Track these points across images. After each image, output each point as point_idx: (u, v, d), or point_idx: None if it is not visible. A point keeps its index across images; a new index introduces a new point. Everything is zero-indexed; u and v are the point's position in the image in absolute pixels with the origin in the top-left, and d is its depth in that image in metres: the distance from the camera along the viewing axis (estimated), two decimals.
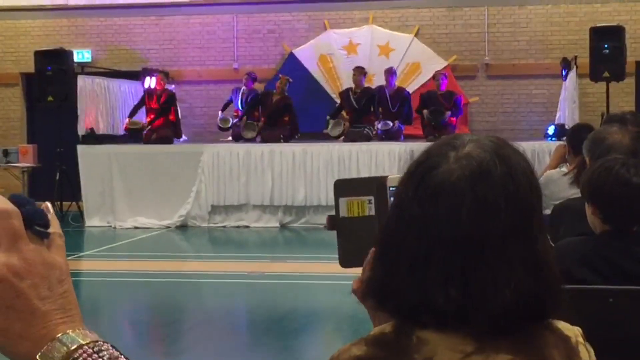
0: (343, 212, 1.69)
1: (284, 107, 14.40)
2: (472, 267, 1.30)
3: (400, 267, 1.34)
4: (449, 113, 13.96)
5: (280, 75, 15.01)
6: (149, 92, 14.68)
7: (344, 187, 1.70)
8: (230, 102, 15.09)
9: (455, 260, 1.30)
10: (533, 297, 1.31)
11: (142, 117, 15.38)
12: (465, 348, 1.31)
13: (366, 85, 14.68)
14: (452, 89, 14.81)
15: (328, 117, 14.45)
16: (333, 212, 1.71)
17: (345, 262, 1.66)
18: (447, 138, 1.41)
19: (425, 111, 14.01)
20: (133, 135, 14.63)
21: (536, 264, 1.33)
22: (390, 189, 1.62)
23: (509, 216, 1.32)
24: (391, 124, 14.06)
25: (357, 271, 1.53)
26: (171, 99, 14.79)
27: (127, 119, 14.82)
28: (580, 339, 1.39)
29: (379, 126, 14.09)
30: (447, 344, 1.31)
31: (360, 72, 14.45)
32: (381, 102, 14.33)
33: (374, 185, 1.66)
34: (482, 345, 1.31)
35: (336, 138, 14.06)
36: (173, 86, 15.46)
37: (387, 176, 1.64)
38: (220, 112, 15.12)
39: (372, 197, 1.66)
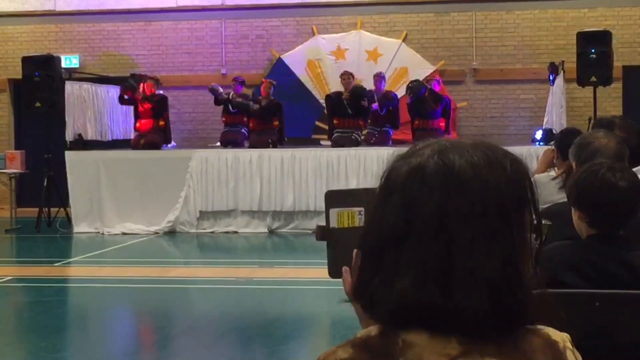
0: (333, 223, 1.71)
1: (274, 109, 14.35)
2: (456, 266, 1.29)
3: (382, 268, 1.33)
4: (428, 85, 14.13)
5: (263, 80, 14.95)
6: (139, 98, 14.60)
7: (334, 198, 1.72)
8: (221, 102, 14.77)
9: (440, 257, 1.30)
10: (513, 300, 1.30)
11: (130, 124, 15.35)
12: (450, 352, 1.30)
13: None
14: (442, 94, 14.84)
15: (317, 123, 14.39)
16: (322, 218, 1.73)
17: (334, 273, 1.67)
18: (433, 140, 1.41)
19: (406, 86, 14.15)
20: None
21: (518, 265, 1.32)
22: None
23: (502, 206, 1.33)
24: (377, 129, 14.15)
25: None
26: (164, 101, 14.72)
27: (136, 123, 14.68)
28: (569, 344, 1.38)
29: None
30: (433, 347, 1.31)
31: (349, 76, 14.42)
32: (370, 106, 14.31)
33: (365, 197, 1.68)
34: (468, 349, 1.31)
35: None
36: (162, 91, 15.40)
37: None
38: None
39: (362, 209, 1.69)
